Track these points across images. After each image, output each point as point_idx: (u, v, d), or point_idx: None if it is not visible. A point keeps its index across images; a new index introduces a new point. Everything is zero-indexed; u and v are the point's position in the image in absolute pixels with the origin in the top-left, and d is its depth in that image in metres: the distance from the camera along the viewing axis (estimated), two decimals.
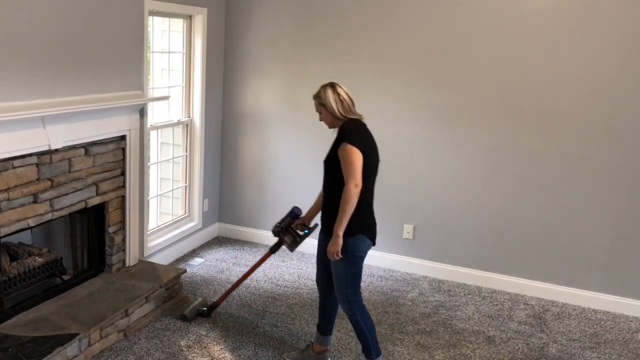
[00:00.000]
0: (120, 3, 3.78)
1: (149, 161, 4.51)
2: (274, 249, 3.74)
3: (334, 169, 3.05)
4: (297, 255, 5.12)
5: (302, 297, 4.34)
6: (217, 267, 4.82)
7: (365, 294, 4.45)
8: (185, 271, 4.25)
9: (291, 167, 5.16)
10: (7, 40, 3.00)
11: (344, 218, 2.96)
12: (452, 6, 4.46)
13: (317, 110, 3.17)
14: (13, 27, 3.03)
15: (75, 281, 3.82)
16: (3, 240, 3.40)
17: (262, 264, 3.98)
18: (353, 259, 3.08)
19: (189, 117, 4.99)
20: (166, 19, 4.71)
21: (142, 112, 4.11)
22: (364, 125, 3.15)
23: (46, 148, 3.30)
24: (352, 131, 3.04)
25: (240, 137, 5.31)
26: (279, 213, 5.24)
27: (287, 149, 5.14)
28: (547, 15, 4.22)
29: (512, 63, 4.37)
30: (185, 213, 5.15)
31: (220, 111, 5.29)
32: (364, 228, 3.09)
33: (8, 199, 3.13)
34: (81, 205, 3.68)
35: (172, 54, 4.84)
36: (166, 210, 5.05)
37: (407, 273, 4.89)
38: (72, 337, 3.19)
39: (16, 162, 3.16)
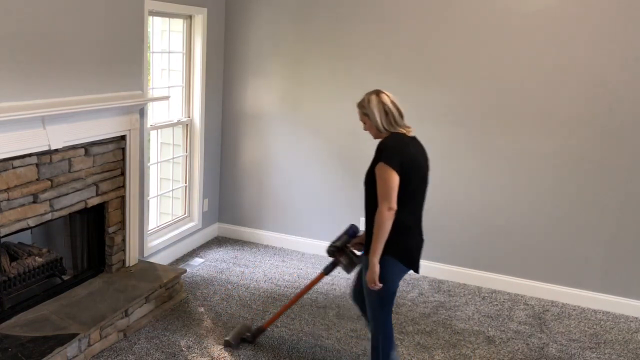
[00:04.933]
0: (120, 3, 3.78)
1: (149, 161, 4.52)
2: (327, 270, 3.43)
3: (372, 187, 2.84)
4: (297, 255, 5.12)
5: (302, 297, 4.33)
6: (217, 267, 4.82)
7: None
8: (185, 271, 4.26)
9: (291, 167, 5.16)
10: (7, 40, 3.00)
11: (377, 244, 2.76)
12: (455, 5, 4.46)
13: (361, 120, 2.95)
14: (13, 27, 3.03)
15: (75, 281, 3.82)
16: (3, 240, 3.40)
17: (313, 287, 3.65)
18: (381, 283, 2.85)
19: (189, 117, 4.99)
20: (166, 19, 4.70)
21: (142, 112, 4.11)
22: (407, 142, 2.88)
23: (46, 148, 3.30)
24: (389, 149, 2.80)
25: (240, 137, 5.30)
26: (279, 213, 5.29)
27: (287, 148, 5.13)
28: (549, 15, 4.22)
29: (513, 64, 4.36)
30: (185, 213, 5.15)
31: (220, 111, 5.29)
32: (395, 251, 2.83)
33: (8, 199, 3.13)
34: (81, 206, 3.68)
35: (172, 54, 4.84)
36: (166, 211, 5.05)
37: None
38: (72, 337, 3.19)
39: (16, 162, 3.16)
